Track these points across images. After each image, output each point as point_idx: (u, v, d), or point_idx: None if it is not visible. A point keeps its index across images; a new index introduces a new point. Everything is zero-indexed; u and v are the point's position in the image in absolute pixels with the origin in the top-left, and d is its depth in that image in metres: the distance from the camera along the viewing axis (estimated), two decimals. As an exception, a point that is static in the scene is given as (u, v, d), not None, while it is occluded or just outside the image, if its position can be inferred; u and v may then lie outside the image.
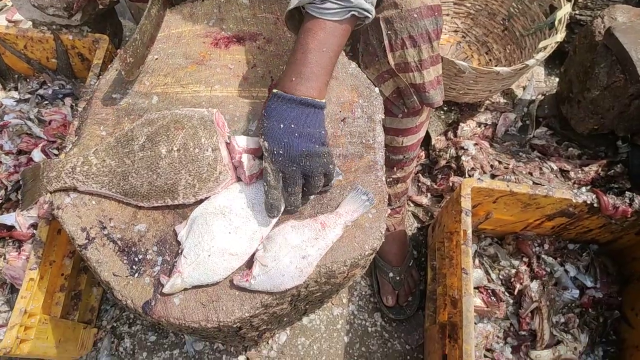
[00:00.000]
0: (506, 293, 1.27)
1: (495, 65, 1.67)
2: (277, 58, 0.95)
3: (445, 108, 1.62)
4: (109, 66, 0.95)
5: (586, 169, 1.41)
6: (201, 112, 0.81)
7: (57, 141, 1.28)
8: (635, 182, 1.36)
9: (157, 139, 0.79)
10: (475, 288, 1.26)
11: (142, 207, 0.80)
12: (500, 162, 1.45)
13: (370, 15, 0.76)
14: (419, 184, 1.53)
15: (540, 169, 1.43)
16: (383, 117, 0.89)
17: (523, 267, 1.27)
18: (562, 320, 1.21)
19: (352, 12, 0.74)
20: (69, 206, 0.80)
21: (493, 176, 1.43)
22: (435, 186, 1.49)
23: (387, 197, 0.85)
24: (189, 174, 0.77)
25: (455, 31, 1.77)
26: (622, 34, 1.21)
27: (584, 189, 1.34)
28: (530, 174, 1.42)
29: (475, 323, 1.20)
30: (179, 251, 0.75)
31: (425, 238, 1.46)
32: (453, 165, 1.48)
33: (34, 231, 1.14)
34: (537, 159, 1.47)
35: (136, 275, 0.75)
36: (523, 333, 1.22)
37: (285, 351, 1.27)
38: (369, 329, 1.32)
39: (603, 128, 1.38)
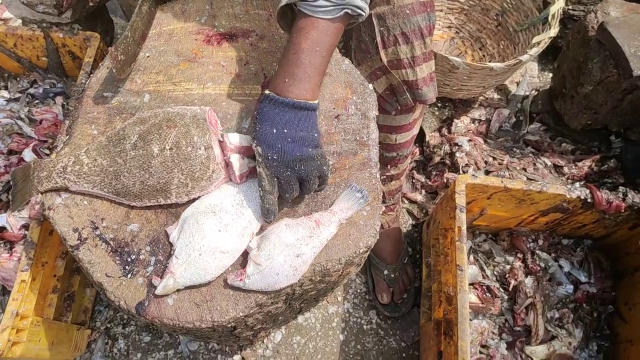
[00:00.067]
0: (501, 289, 1.27)
1: (489, 61, 1.67)
2: (270, 55, 0.94)
3: (439, 104, 1.61)
4: (100, 64, 0.94)
5: (580, 164, 1.42)
6: (194, 110, 0.80)
7: (48, 141, 1.27)
8: (628, 177, 1.36)
9: (149, 137, 0.78)
10: (470, 284, 1.26)
11: (134, 207, 0.79)
12: (494, 158, 1.45)
13: (363, 13, 0.75)
14: (414, 181, 1.53)
15: (534, 164, 1.43)
16: (377, 114, 0.89)
17: (517, 263, 1.27)
18: (557, 315, 1.22)
19: (346, 10, 0.72)
20: (60, 206, 0.79)
21: (487, 172, 1.43)
22: (430, 183, 1.49)
23: (382, 194, 0.85)
24: (182, 172, 0.77)
25: (449, 27, 1.77)
26: (615, 28, 1.21)
27: (577, 184, 1.35)
28: (524, 169, 1.42)
29: (470, 319, 1.20)
30: (171, 252, 0.75)
31: (419, 235, 1.46)
32: (447, 161, 1.48)
33: (26, 232, 1.13)
34: (530, 155, 1.47)
35: (129, 275, 0.75)
36: (518, 329, 1.22)
37: (280, 350, 1.27)
38: (365, 326, 1.32)
39: (596, 123, 1.39)
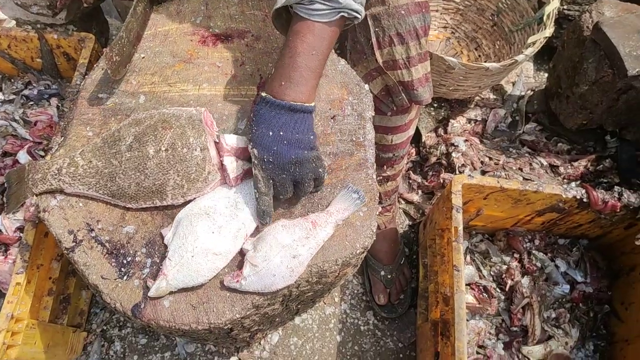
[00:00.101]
0: (497, 289, 1.28)
1: (485, 61, 1.67)
2: (266, 55, 0.94)
3: (435, 104, 1.62)
4: (95, 65, 0.93)
5: (575, 164, 1.42)
6: (189, 111, 0.80)
7: (43, 142, 1.26)
8: (623, 177, 1.37)
9: (144, 139, 0.77)
10: (466, 285, 1.26)
11: (130, 209, 0.79)
12: (490, 158, 1.46)
13: (359, 16, 0.75)
14: (410, 181, 1.53)
15: (530, 164, 1.43)
16: (373, 115, 0.89)
17: (514, 263, 1.28)
18: (553, 315, 1.22)
19: (342, 13, 0.72)
20: (55, 208, 0.78)
21: (483, 172, 1.43)
22: (426, 183, 1.49)
23: (378, 195, 0.84)
24: (178, 174, 0.76)
25: (445, 27, 1.77)
26: (610, 28, 1.22)
27: (573, 184, 1.35)
28: (520, 169, 1.42)
29: (467, 320, 1.20)
30: (165, 254, 0.74)
31: (416, 235, 1.46)
32: (443, 161, 1.49)
33: (21, 234, 1.12)
34: (526, 155, 1.47)
35: (125, 277, 0.74)
36: (515, 329, 1.23)
37: (277, 351, 1.27)
38: (362, 327, 1.32)
39: (592, 123, 1.39)
